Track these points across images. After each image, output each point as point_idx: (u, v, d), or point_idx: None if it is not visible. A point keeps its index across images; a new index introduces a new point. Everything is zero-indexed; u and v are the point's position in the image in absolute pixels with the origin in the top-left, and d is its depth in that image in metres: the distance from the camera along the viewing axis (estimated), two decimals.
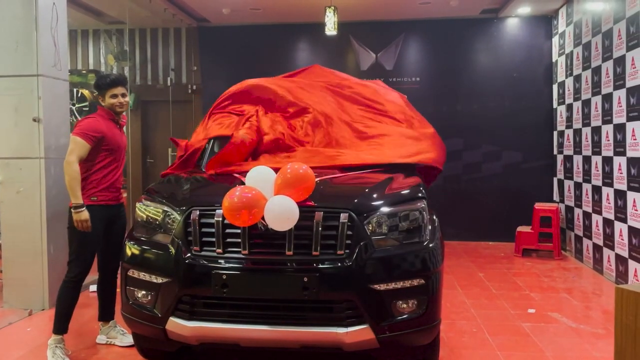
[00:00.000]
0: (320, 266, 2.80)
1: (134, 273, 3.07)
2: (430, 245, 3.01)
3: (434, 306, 2.99)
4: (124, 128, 3.89)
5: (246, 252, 2.85)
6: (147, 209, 3.19)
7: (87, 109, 8.69)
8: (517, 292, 5.32)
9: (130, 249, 3.12)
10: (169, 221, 3.04)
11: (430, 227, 3.13)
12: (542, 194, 7.77)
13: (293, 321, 2.83)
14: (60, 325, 3.58)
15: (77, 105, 8.70)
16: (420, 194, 3.17)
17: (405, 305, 2.91)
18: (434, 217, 3.34)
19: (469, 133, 8.06)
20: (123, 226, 3.82)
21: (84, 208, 3.48)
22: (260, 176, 2.93)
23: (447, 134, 7.99)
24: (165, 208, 3.08)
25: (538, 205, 7.23)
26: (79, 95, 8.67)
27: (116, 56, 8.20)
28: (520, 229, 7.24)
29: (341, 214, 2.85)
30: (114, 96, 3.67)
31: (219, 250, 2.87)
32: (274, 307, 2.84)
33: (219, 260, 2.86)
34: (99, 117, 3.67)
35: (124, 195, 3.98)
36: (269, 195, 2.83)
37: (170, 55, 8.74)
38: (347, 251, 2.83)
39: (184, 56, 8.72)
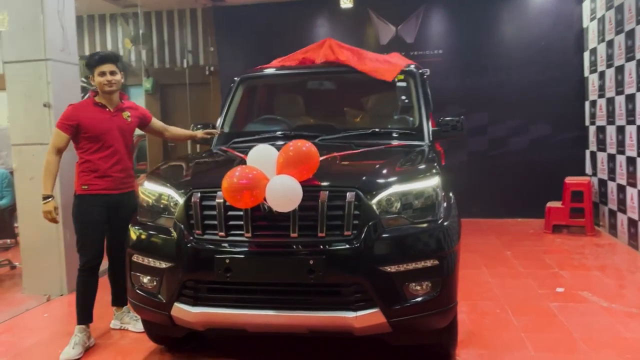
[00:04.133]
0: (326, 248, 2.66)
1: (138, 258, 2.99)
2: (445, 224, 2.84)
3: (449, 288, 2.83)
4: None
5: (249, 235, 2.73)
6: (149, 193, 3.09)
7: None
8: (545, 270, 5.09)
9: (134, 234, 3.04)
10: (171, 204, 2.94)
11: (445, 205, 2.95)
12: (573, 167, 7.43)
13: (299, 305, 2.71)
14: (80, 315, 3.53)
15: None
16: (434, 170, 2.98)
17: (418, 288, 2.75)
18: (450, 195, 3.15)
19: (494, 106, 7.74)
20: (129, 214, 3.48)
21: (50, 199, 3.41)
22: (261, 155, 2.79)
23: (471, 107, 7.75)
24: (167, 191, 2.98)
25: (569, 180, 6.91)
26: None
27: (133, 40, 8.14)
28: (550, 204, 6.95)
29: (347, 193, 2.69)
30: (102, 74, 3.45)
31: (222, 234, 2.76)
32: (280, 292, 2.73)
33: (222, 244, 2.76)
34: (79, 104, 3.57)
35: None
36: (271, 174, 2.69)
37: (187, 37, 8.63)
38: (355, 232, 2.68)
39: (200, 38, 8.60)
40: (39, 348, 3.60)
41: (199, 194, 2.82)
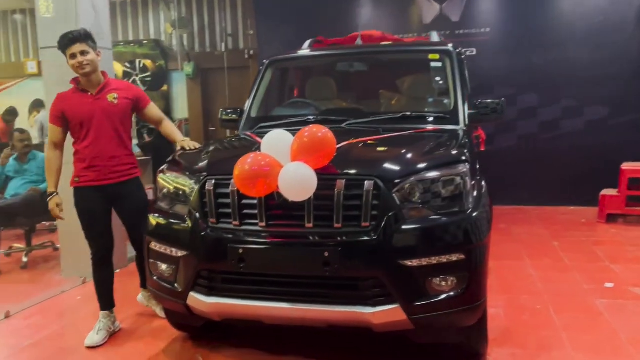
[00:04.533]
0: (343, 240, 2.51)
1: (155, 246, 2.95)
2: (473, 214, 2.63)
3: (477, 284, 2.62)
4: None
5: (263, 224, 2.62)
6: (167, 179, 3.03)
7: (149, 79, 8.80)
8: (594, 263, 4.76)
9: (152, 221, 2.99)
10: (187, 192, 2.87)
11: (474, 194, 2.73)
12: (631, 152, 6.89)
13: (315, 299, 2.58)
14: (101, 302, 3.51)
15: (140, 76, 8.84)
16: (463, 157, 2.76)
17: (442, 283, 2.56)
18: (482, 183, 2.93)
19: (545, 87, 7.29)
20: (135, 202, 3.44)
21: (53, 195, 3.32)
22: (276, 141, 2.65)
23: (520, 89, 7.34)
24: (183, 178, 2.91)
25: (626, 166, 6.43)
26: (142, 65, 8.79)
27: (173, 24, 8.16)
28: (604, 192, 6.51)
29: (365, 182, 2.53)
30: (72, 56, 3.19)
31: (236, 223, 2.66)
32: (295, 284, 2.60)
33: (236, 233, 2.66)
34: (64, 93, 3.37)
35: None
36: (286, 161, 2.56)
37: (227, 20, 8.57)
38: (373, 223, 2.51)
39: (240, 21, 8.52)
40: (67, 331, 3.66)
41: (213, 181, 2.72)
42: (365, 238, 2.50)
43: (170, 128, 3.62)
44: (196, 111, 8.74)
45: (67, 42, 3.21)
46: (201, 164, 2.91)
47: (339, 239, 2.52)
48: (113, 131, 3.31)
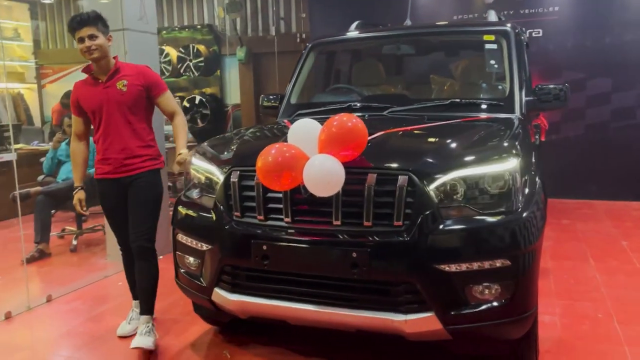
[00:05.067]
0: (372, 239, 2.29)
1: (182, 238, 2.84)
2: (523, 216, 2.33)
3: (525, 293, 2.34)
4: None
5: (289, 219, 2.44)
6: (195, 168, 2.91)
7: (202, 64, 8.80)
8: None
9: (178, 211, 2.89)
10: (213, 182, 2.73)
11: (525, 193, 2.44)
12: None
13: (342, 302, 2.38)
14: (132, 292, 3.41)
15: (193, 61, 8.85)
16: (513, 150, 2.46)
17: (485, 292, 2.30)
18: (536, 179, 2.62)
19: (619, 71, 6.66)
20: (139, 197, 3.11)
21: (77, 190, 3.19)
22: (303, 131, 2.45)
23: (591, 73, 6.76)
24: (210, 167, 2.77)
25: None
26: (195, 50, 8.79)
27: (225, 8, 8.08)
28: None
29: (399, 177, 2.29)
30: (81, 40, 2.96)
31: (260, 217, 2.50)
32: (321, 285, 2.41)
33: (260, 229, 2.50)
34: (81, 81, 3.17)
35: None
36: (313, 153, 2.36)
37: (280, 3, 8.41)
38: (407, 222, 2.28)
39: (293, 4, 8.33)
40: (103, 318, 3.65)
41: (238, 173, 2.57)
42: (397, 239, 2.27)
43: (178, 128, 3.20)
44: (248, 97, 8.68)
45: (75, 24, 2.98)
46: (227, 154, 2.76)
47: (368, 238, 2.31)
48: (124, 121, 3.05)
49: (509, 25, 3.72)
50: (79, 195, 3.20)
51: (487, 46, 3.73)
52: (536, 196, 2.51)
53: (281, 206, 2.45)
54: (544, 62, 6.84)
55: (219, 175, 2.68)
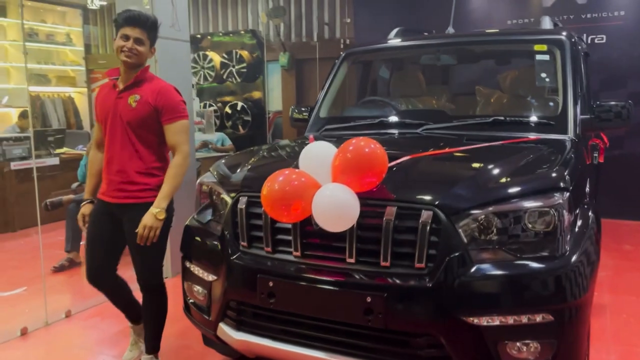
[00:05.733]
0: (390, 282, 2.00)
1: (189, 265, 2.63)
2: (571, 261, 1.98)
3: (569, 354, 1.98)
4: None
5: (298, 254, 2.18)
6: (205, 189, 2.69)
7: (244, 70, 8.68)
8: None
9: (186, 236, 2.68)
10: (221, 207, 2.51)
11: (575, 232, 2.08)
12: None
13: (355, 352, 2.10)
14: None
15: (236, 67, 8.74)
16: (561, 182, 2.10)
17: (521, 350, 1.97)
18: (589, 214, 2.25)
19: None
20: (133, 234, 2.61)
21: (85, 203, 2.87)
22: (316, 155, 2.18)
23: None
24: (219, 189, 2.55)
25: None
26: (238, 56, 8.68)
27: (268, 13, 7.92)
28: None
29: (423, 212, 1.98)
30: (124, 37, 2.61)
31: (268, 249, 2.25)
32: (332, 330, 2.14)
33: (267, 262, 2.25)
34: (103, 85, 2.84)
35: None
36: (326, 181, 2.09)
37: (325, 8, 8.17)
38: (430, 265, 1.97)
39: (337, 8, 8.08)
40: (118, 338, 3.49)
41: (246, 199, 2.33)
42: (419, 283, 1.96)
43: (168, 173, 2.66)
44: (290, 104, 8.48)
45: (127, 20, 2.61)
46: (237, 177, 2.52)
47: (385, 281, 2.01)
48: (126, 139, 2.66)
49: (564, 33, 3.32)
50: (85, 209, 2.86)
51: (539, 57, 3.35)
52: (587, 235, 2.14)
53: (291, 238, 2.20)
54: (607, 71, 6.29)
55: (227, 199, 2.45)
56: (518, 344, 1.95)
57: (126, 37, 2.60)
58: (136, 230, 2.57)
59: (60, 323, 3.76)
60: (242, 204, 2.32)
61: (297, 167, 2.20)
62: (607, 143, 4.57)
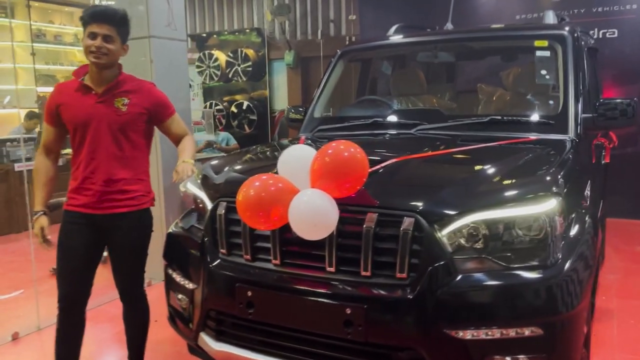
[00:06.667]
0: (370, 293, 1.90)
1: (171, 272, 2.56)
2: (562, 271, 1.87)
3: None
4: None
5: (277, 262, 2.09)
6: (188, 193, 2.61)
7: (250, 68, 8.61)
8: None
9: (168, 241, 2.61)
10: (203, 213, 2.42)
11: (568, 240, 1.96)
12: None
13: None
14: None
15: (241, 66, 8.68)
16: (553, 187, 1.98)
17: None
18: (586, 219, 2.13)
19: None
20: (129, 241, 2.61)
21: (37, 215, 2.52)
22: (295, 159, 2.09)
23: None
24: (200, 194, 2.47)
25: None
26: (243, 55, 8.61)
27: (273, 11, 7.84)
28: None
29: (404, 219, 1.88)
30: (92, 35, 2.37)
31: (247, 257, 2.17)
32: (312, 342, 2.04)
33: (246, 270, 2.16)
34: (65, 83, 2.59)
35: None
36: (304, 186, 1.99)
37: (330, 5, 8.07)
38: (412, 275, 1.87)
39: (343, 6, 7.97)
40: (111, 344, 3.44)
41: (225, 204, 2.24)
42: (400, 294, 1.86)
43: (187, 142, 2.70)
44: (296, 102, 8.39)
45: (93, 16, 2.39)
46: (218, 180, 2.44)
47: (366, 291, 1.91)
48: (115, 146, 2.48)
49: (566, 28, 3.18)
50: (41, 221, 2.52)
51: (539, 53, 3.21)
52: (582, 242, 2.02)
53: (270, 245, 2.11)
54: (619, 66, 6.09)
55: (207, 205, 2.37)
56: (506, 359, 1.84)
57: (94, 35, 2.38)
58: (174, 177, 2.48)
59: (53, 328, 3.70)
60: (221, 210, 2.24)
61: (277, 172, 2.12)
62: (615, 142, 4.41)
